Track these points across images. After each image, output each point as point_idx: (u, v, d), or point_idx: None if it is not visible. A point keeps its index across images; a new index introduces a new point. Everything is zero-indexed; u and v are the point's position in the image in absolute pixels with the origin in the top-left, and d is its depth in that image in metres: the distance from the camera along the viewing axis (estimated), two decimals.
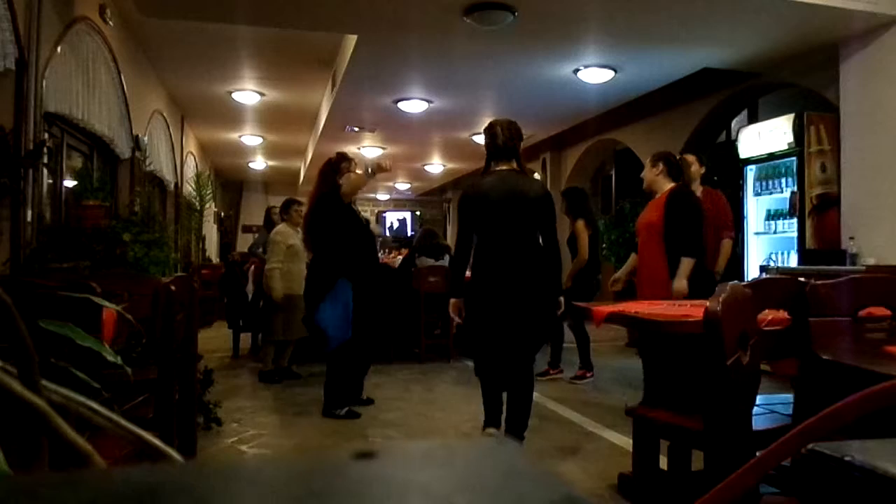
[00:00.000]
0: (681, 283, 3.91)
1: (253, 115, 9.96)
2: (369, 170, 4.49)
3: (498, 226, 3.45)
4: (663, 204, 4.04)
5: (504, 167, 3.52)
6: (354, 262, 4.41)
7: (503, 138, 3.52)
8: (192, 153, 11.38)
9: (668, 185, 4.10)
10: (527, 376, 3.55)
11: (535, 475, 0.31)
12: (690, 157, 4.85)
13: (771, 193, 6.12)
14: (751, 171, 6.31)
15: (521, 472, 0.31)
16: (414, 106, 8.06)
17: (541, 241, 3.53)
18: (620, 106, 7.98)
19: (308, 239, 4.70)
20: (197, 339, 3.03)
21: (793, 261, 5.81)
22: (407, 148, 11.57)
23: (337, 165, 4.54)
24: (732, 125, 7.74)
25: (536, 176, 12.19)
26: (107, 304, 1.17)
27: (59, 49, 4.66)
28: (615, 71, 6.59)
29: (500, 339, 3.48)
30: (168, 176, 8.82)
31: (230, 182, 17.01)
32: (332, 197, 4.44)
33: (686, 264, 3.92)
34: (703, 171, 4.84)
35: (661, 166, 4.11)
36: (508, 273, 3.42)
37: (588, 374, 5.53)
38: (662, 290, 3.92)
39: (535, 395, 5.08)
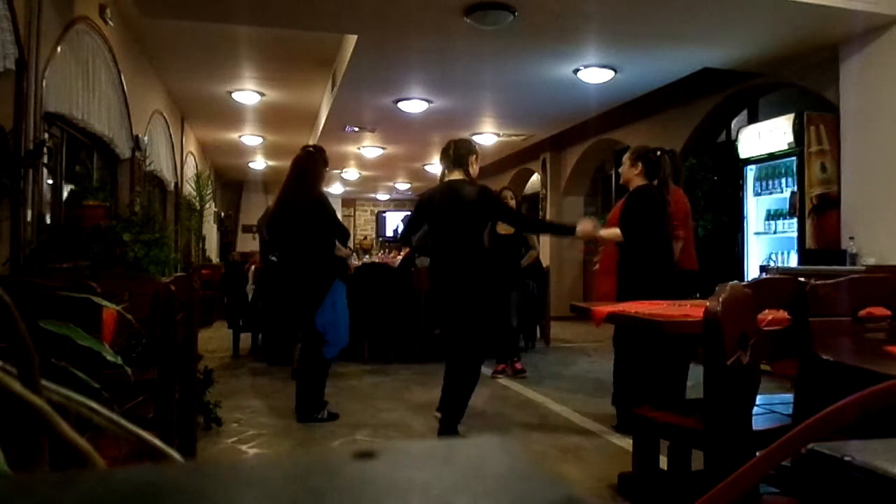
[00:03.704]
0: (602, 231, 4.17)
1: (253, 115, 9.96)
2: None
3: (441, 226, 3.96)
4: (625, 200, 4.13)
5: (455, 176, 3.99)
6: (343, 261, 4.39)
7: (454, 153, 4.03)
8: (192, 153, 11.38)
9: (640, 183, 4.10)
10: (471, 363, 3.92)
11: (535, 475, 0.31)
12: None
13: (771, 193, 6.12)
14: (751, 171, 6.31)
15: (521, 472, 0.31)
16: (414, 106, 8.06)
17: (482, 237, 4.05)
18: (620, 106, 7.98)
19: (299, 236, 4.28)
20: (197, 339, 3.03)
21: (793, 261, 5.81)
22: (407, 148, 11.58)
23: (324, 158, 4.44)
24: (732, 125, 7.73)
25: (536, 177, 12.20)
26: (107, 304, 1.17)
27: (59, 49, 4.65)
28: (615, 71, 6.59)
29: (449, 324, 3.99)
30: (168, 176, 8.82)
31: (230, 182, 17.01)
32: (324, 194, 4.36)
33: (612, 232, 4.08)
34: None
35: (639, 166, 4.07)
36: (450, 267, 3.88)
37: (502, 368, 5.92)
38: (612, 281, 4.07)
39: (537, 395, 5.11)
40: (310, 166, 4.39)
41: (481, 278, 3.91)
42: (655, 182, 4.04)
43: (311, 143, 11.50)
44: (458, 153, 4.00)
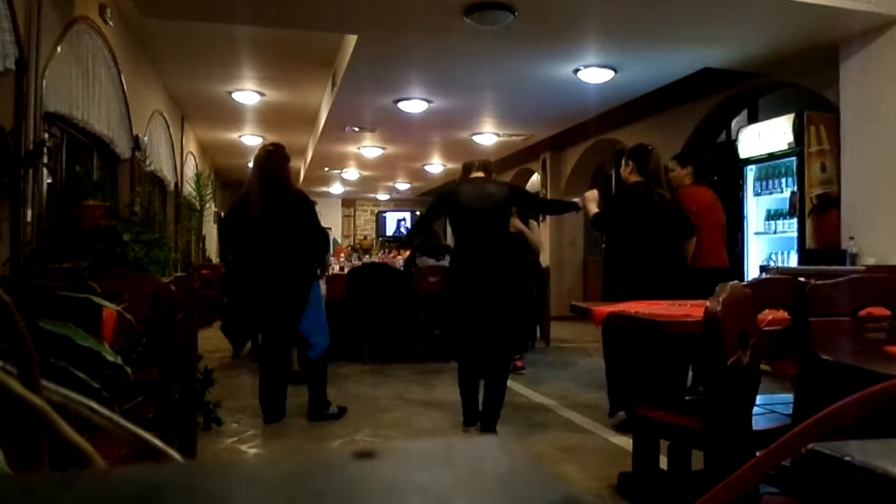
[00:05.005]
0: (581, 199, 4.37)
1: (253, 115, 9.95)
2: None
3: (470, 220, 3.99)
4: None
5: (477, 175, 4.19)
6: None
7: (479, 162, 4.28)
8: (192, 153, 11.38)
9: (633, 181, 4.14)
10: (502, 364, 4.00)
11: (535, 475, 0.31)
12: (671, 164, 4.88)
13: (771, 193, 6.12)
14: (751, 171, 6.31)
15: (521, 472, 0.31)
16: (414, 106, 8.05)
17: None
18: (620, 106, 7.98)
19: (286, 239, 4.13)
20: (197, 339, 3.03)
21: (793, 261, 5.81)
22: (407, 148, 11.57)
23: (286, 155, 4.34)
24: (732, 125, 7.73)
25: (536, 177, 12.20)
26: (107, 304, 1.17)
27: (59, 49, 4.65)
28: (615, 71, 6.59)
29: (478, 325, 3.95)
30: (168, 176, 8.81)
31: (230, 182, 17.01)
32: (305, 193, 4.36)
33: (591, 203, 4.29)
34: (686, 171, 4.84)
35: (630, 164, 4.13)
36: (480, 263, 3.93)
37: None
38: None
39: (537, 395, 5.11)
40: (282, 165, 4.29)
41: (517, 271, 4.05)
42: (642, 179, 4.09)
43: (311, 143, 11.51)
44: (482, 162, 4.28)
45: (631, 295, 3.40)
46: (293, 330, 4.25)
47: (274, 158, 4.27)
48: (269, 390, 4.23)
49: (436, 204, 4.29)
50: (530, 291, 4.49)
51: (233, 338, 6.91)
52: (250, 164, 14.34)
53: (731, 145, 6.89)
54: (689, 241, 4.32)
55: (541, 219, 6.57)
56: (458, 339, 4.17)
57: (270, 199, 4.16)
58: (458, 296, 4.02)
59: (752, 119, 7.19)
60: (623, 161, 4.23)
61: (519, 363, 5.98)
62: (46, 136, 4.55)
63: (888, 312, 2.13)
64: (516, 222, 4.41)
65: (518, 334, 5.97)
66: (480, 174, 4.18)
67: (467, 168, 4.28)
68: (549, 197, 11.27)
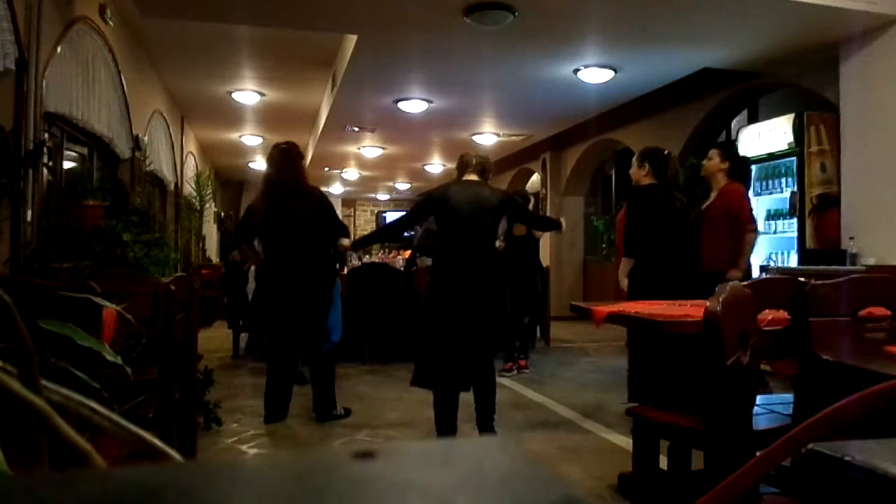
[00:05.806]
0: (621, 280, 4.17)
1: (253, 115, 9.96)
2: None
3: (458, 224, 3.74)
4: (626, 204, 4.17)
5: (471, 177, 3.88)
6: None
7: (475, 160, 3.93)
8: (192, 153, 11.37)
9: (647, 183, 4.13)
10: (489, 368, 3.80)
11: (535, 475, 0.31)
12: (711, 152, 4.71)
13: (771, 193, 6.12)
14: (751, 171, 6.31)
15: (521, 472, 0.31)
16: (414, 106, 8.06)
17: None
18: (620, 106, 7.98)
19: (306, 236, 4.16)
20: (197, 339, 3.03)
21: (793, 261, 5.81)
22: (407, 148, 11.58)
23: (300, 153, 4.35)
24: (732, 125, 7.73)
25: (536, 177, 12.20)
26: (107, 304, 1.17)
27: (59, 49, 4.65)
28: (615, 71, 6.59)
29: (461, 334, 3.68)
30: (168, 176, 8.81)
31: (230, 182, 17.01)
32: (321, 190, 4.39)
33: (624, 263, 4.18)
34: (724, 166, 4.59)
35: (646, 166, 4.11)
36: (465, 269, 3.70)
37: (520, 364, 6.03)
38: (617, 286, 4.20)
39: (536, 395, 5.11)
40: (297, 163, 4.28)
41: (497, 277, 3.85)
42: (659, 182, 4.07)
43: (311, 143, 11.50)
44: (479, 161, 3.96)
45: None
46: (312, 330, 4.23)
47: (288, 157, 4.26)
48: (275, 390, 4.23)
49: (424, 205, 3.98)
50: (506, 300, 4.14)
51: (237, 332, 6.96)
52: (252, 165, 14.29)
53: (731, 145, 6.89)
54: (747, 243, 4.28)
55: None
56: (434, 351, 3.79)
57: (288, 199, 4.15)
58: (438, 301, 3.73)
59: (752, 119, 7.19)
60: (636, 162, 4.19)
61: (523, 363, 6.00)
62: (46, 136, 4.55)
63: (888, 312, 2.13)
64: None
65: (500, 338, 5.90)
66: (475, 177, 3.88)
67: (463, 164, 3.97)
68: (549, 196, 11.30)
